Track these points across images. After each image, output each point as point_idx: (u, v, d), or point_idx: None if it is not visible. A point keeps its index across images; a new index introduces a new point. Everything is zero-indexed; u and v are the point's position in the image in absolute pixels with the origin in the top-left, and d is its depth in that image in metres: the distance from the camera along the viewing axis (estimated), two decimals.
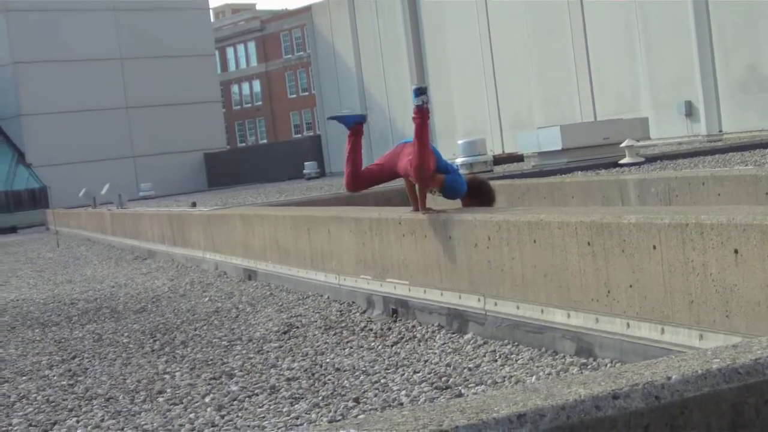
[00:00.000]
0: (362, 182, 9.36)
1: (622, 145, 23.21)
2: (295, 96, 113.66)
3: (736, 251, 5.40)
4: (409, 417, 2.90)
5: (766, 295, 5.21)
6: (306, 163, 60.41)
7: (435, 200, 9.24)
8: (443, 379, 6.76)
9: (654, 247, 6.00)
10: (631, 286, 6.24)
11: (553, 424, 2.84)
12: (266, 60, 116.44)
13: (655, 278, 6.02)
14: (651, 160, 22.86)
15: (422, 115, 8.70)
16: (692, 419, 3.02)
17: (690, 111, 36.87)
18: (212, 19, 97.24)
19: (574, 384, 3.09)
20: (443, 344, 8.01)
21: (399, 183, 9.23)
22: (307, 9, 78.03)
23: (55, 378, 8.58)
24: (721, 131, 35.57)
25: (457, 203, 9.18)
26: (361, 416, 6.03)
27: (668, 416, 2.99)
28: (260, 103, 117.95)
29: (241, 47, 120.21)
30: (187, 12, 79.13)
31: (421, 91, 8.83)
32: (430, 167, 8.61)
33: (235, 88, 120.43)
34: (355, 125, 9.44)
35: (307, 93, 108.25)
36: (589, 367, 6.54)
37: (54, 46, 71.73)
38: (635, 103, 39.43)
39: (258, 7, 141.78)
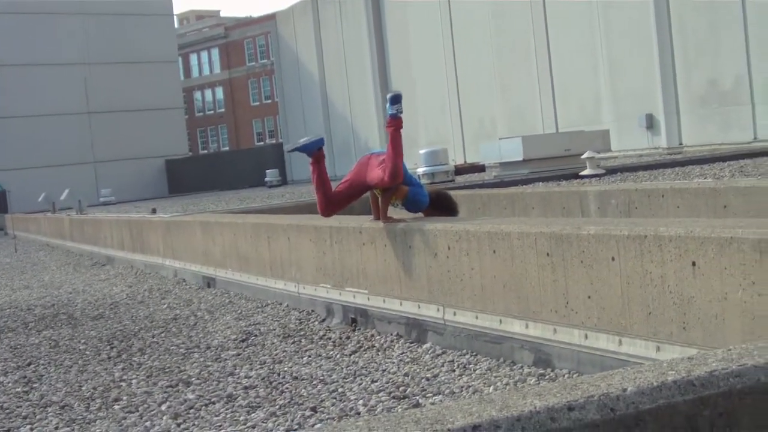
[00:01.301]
0: (336, 205, 9.26)
1: (583, 156, 23.29)
2: (258, 103, 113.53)
3: (693, 263, 5.42)
4: (363, 427, 2.88)
5: (723, 307, 5.23)
6: (268, 171, 60.24)
7: (396, 211, 9.23)
8: (401, 388, 6.74)
9: (612, 259, 6.01)
10: (589, 297, 6.25)
11: None
12: (230, 67, 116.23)
13: (613, 289, 6.03)
14: (612, 171, 22.95)
15: (397, 124, 8.71)
16: (648, 431, 3.02)
17: (651, 124, 37.08)
18: (176, 25, 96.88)
19: (530, 395, 3.08)
20: (402, 354, 7.99)
21: None
22: (272, 17, 77.96)
23: (9, 384, 8.49)
24: (681, 144, 35.79)
25: (419, 215, 9.17)
26: (318, 425, 6.01)
27: (623, 428, 2.99)
28: (223, 110, 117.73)
29: (204, 54, 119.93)
30: (151, 18, 78.80)
31: (396, 99, 8.84)
32: (402, 175, 8.64)
33: (198, 95, 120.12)
34: (318, 151, 9.35)
35: (270, 101, 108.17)
36: (546, 377, 6.54)
37: (16, 48, 71.25)
38: (597, 115, 39.62)
39: (222, 14, 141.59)
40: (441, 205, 9.04)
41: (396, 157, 8.56)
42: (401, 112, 8.77)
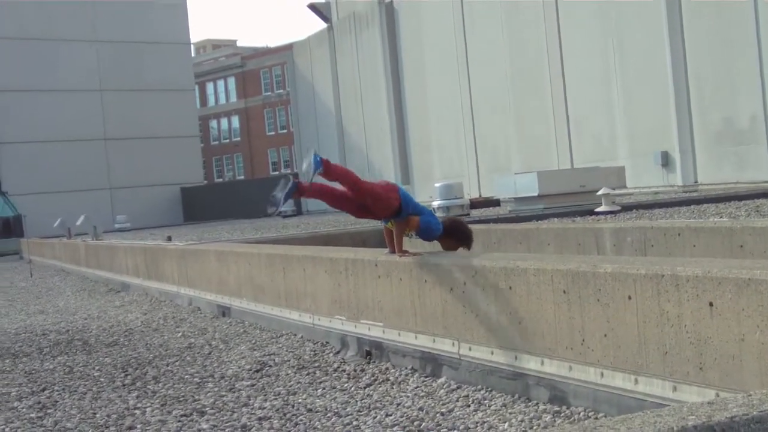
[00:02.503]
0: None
1: (599, 193, 23.28)
2: (273, 133, 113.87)
3: (711, 304, 5.42)
4: None
5: (740, 348, 5.23)
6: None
7: (413, 243, 9.25)
8: (415, 423, 6.74)
9: (629, 297, 6.02)
10: (605, 335, 6.25)
11: None
12: (245, 96, 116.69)
13: (629, 328, 6.03)
14: (627, 208, 22.94)
15: (328, 168, 8.55)
16: None
17: (666, 161, 37.08)
18: (193, 54, 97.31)
19: None
20: (416, 387, 7.99)
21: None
22: (288, 47, 78.43)
23: (24, 410, 8.50)
24: (696, 182, 35.78)
25: (435, 246, 9.18)
26: None
27: None
28: (238, 139, 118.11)
29: (221, 83, 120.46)
30: (169, 46, 79.24)
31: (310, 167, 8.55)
32: (389, 194, 8.56)
33: (213, 123, 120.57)
34: (297, 192, 8.74)
35: (285, 130, 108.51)
36: (562, 415, 6.53)
37: (35, 75, 71.69)
38: (612, 151, 39.64)
39: (239, 44, 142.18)
40: (455, 233, 9.03)
41: (360, 184, 8.54)
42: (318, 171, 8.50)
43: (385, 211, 8.61)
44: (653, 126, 37.64)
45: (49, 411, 8.37)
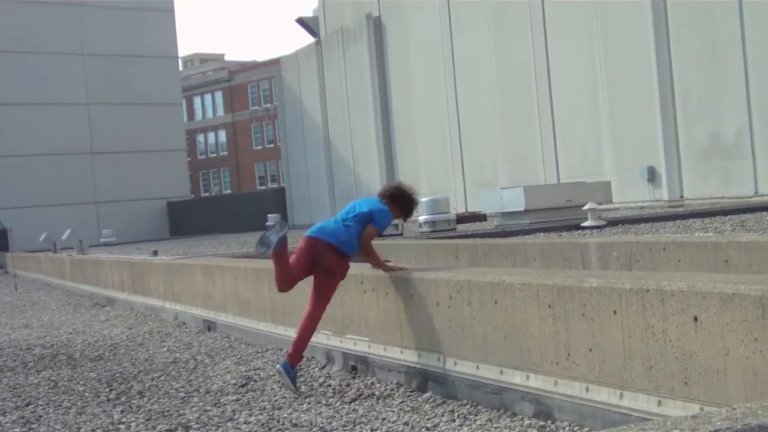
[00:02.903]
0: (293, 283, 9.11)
1: (585, 207, 23.36)
2: (260, 147, 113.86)
3: (695, 318, 5.44)
4: None
5: (725, 363, 5.24)
6: (269, 215, 60.28)
7: (396, 255, 9.25)
8: None
9: (614, 312, 6.03)
10: (590, 349, 6.26)
11: None
12: (233, 110, 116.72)
13: (614, 343, 6.04)
14: (613, 223, 23.01)
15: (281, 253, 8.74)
16: None
17: (652, 176, 37.20)
18: (180, 68, 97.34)
19: None
20: (402, 402, 7.98)
21: None
22: (276, 61, 78.49)
23: (8, 425, 8.47)
24: (682, 197, 35.89)
25: (421, 260, 9.18)
26: None
27: None
28: (225, 153, 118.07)
29: (208, 97, 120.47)
30: (156, 60, 79.22)
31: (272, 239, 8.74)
32: (363, 241, 8.76)
33: (200, 137, 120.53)
34: (281, 245, 8.89)
35: (272, 145, 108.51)
36: (547, 429, 6.54)
37: (21, 88, 71.61)
38: (598, 166, 39.75)
39: (227, 58, 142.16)
40: (399, 203, 9.03)
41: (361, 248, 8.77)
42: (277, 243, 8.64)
43: (345, 266, 8.91)
44: (639, 141, 37.77)
45: (33, 426, 8.34)
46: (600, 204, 25.11)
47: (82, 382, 10.57)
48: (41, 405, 9.32)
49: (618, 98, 38.74)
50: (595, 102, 40.00)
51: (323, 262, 8.72)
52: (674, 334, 5.58)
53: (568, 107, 41.62)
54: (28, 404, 9.42)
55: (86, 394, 9.74)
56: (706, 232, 17.59)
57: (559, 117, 42.44)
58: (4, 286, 34.34)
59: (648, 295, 5.76)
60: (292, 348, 8.79)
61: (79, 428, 8.06)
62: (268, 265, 12.45)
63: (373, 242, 9.00)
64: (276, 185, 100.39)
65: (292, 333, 10.99)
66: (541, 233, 21.69)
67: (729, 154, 34.13)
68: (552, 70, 42.49)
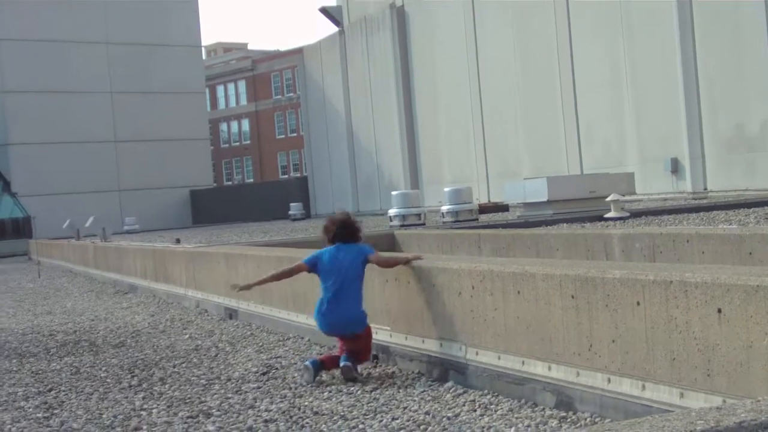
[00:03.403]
0: None
1: (608, 199, 23.27)
2: (283, 136, 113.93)
3: (719, 310, 5.40)
4: None
5: (748, 355, 5.21)
6: (292, 204, 60.45)
7: (419, 245, 9.23)
8: (422, 427, 6.72)
9: (638, 303, 6.00)
10: (613, 341, 6.23)
11: None
12: (256, 99, 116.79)
13: (637, 334, 6.01)
14: (636, 215, 22.92)
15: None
16: None
17: (676, 168, 37.04)
18: (204, 57, 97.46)
19: None
20: (423, 392, 7.97)
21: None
22: (299, 51, 78.47)
23: (30, 410, 8.51)
24: (706, 189, 35.72)
25: (442, 249, 9.16)
26: None
27: None
28: (248, 142, 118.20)
29: (231, 86, 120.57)
30: (180, 49, 79.34)
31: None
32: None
33: (223, 126, 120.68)
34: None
35: (295, 134, 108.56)
36: (568, 420, 6.51)
37: (45, 76, 71.80)
38: (622, 157, 39.60)
39: (250, 47, 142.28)
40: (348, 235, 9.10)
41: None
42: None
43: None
44: (663, 132, 37.60)
45: (55, 411, 8.37)
46: (623, 195, 25.03)
47: (104, 369, 10.61)
48: (63, 391, 9.35)
49: (642, 89, 38.57)
50: (619, 92, 39.84)
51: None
52: (697, 326, 5.55)
53: (592, 98, 41.46)
54: (50, 390, 9.46)
55: (108, 380, 9.77)
56: (730, 224, 17.50)
57: (582, 108, 42.29)
58: (28, 272, 34.52)
59: (671, 287, 5.73)
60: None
61: (101, 414, 8.09)
62: (291, 253, 12.47)
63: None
64: (298, 174, 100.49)
65: (313, 322, 11.00)
66: (564, 224, 21.63)
67: (754, 145, 33.95)
68: (576, 61, 42.33)
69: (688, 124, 36.09)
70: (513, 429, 6.47)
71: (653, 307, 5.87)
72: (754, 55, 33.33)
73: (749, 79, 33.67)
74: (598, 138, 41.50)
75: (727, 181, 34.88)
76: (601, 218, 22.39)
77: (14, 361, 11.82)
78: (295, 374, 9.28)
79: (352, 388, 8.39)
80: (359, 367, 8.81)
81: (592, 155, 41.75)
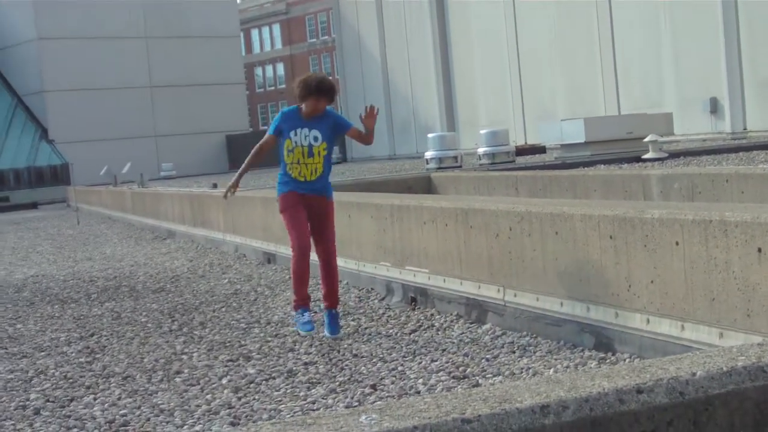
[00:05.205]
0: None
1: (646, 140, 23.13)
2: None
3: (759, 250, 5.37)
4: (431, 404, 2.89)
5: None
6: None
7: (455, 187, 9.21)
8: (460, 368, 6.75)
9: (677, 243, 5.97)
10: (652, 281, 6.21)
11: (576, 416, 2.83)
12: (291, 43, 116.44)
13: (676, 274, 5.99)
14: (674, 155, 22.79)
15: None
16: (716, 416, 3.01)
17: (715, 108, 36.69)
18: (238, 1, 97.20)
19: (598, 377, 3.07)
20: (461, 334, 8.00)
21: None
22: None
23: (73, 354, 8.60)
24: (745, 129, 35.40)
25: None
26: (378, 402, 6.02)
27: (692, 412, 2.97)
28: (283, 86, 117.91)
29: (266, 29, 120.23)
30: None
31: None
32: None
33: (258, 71, 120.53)
34: None
35: (330, 78, 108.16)
36: (607, 361, 6.52)
37: (79, 22, 71.79)
38: (660, 98, 39.26)
39: None
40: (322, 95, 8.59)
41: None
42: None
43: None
44: (702, 72, 37.22)
45: (97, 356, 8.46)
46: (661, 136, 24.86)
47: (144, 314, 10.70)
48: (105, 336, 9.45)
49: (680, 28, 38.14)
50: (657, 32, 39.42)
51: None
52: (737, 266, 5.52)
53: (630, 37, 41.06)
54: (92, 335, 9.56)
55: (149, 325, 9.86)
56: None
57: (619, 47, 41.90)
58: (67, 219, 34.78)
59: (711, 227, 5.69)
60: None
61: (143, 358, 8.17)
62: None
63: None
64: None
65: (352, 265, 11.04)
66: (602, 165, 21.55)
67: None
68: (613, 1, 41.89)
69: (728, 64, 35.69)
70: (552, 370, 6.49)
71: (692, 247, 5.84)
72: None
73: None
74: (636, 78, 41.14)
75: (767, 120, 34.54)
76: (639, 159, 22.27)
77: (56, 306, 11.95)
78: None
79: (391, 331, 8.42)
80: None
81: (629, 96, 41.42)
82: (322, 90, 8.48)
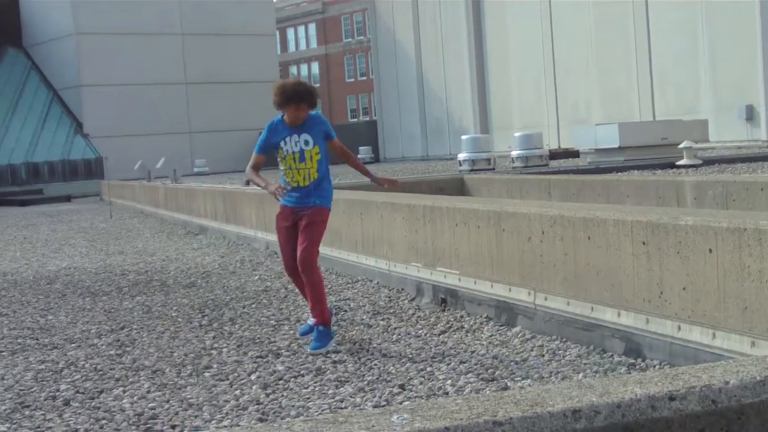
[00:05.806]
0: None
1: (681, 146, 23.03)
2: (353, 80, 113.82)
3: None
4: (463, 406, 2.88)
5: None
6: (361, 148, 60.47)
7: (488, 189, 9.20)
8: (489, 371, 6.74)
9: (710, 251, 5.94)
10: (684, 288, 6.18)
11: (608, 421, 2.82)
12: (326, 42, 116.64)
13: (709, 282, 5.95)
14: (709, 162, 22.67)
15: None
16: (749, 426, 2.99)
17: (751, 115, 36.49)
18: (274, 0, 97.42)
19: (630, 383, 3.06)
20: (491, 336, 7.98)
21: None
22: None
23: (103, 347, 8.64)
24: None
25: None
26: (407, 403, 6.02)
27: (725, 421, 2.96)
28: (318, 85, 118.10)
29: (301, 28, 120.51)
30: None
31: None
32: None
33: (293, 69, 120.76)
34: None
35: (365, 78, 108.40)
36: (637, 367, 6.49)
37: (116, 18, 72.20)
38: (695, 104, 39.08)
39: None
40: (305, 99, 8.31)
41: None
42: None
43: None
44: (738, 79, 37.02)
45: (127, 349, 8.50)
46: (696, 143, 24.74)
47: (175, 308, 10.74)
48: (135, 329, 9.49)
49: (718, 35, 37.95)
50: (694, 39, 39.24)
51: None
52: None
53: (666, 44, 40.88)
54: (122, 328, 9.60)
55: (179, 320, 9.89)
56: None
57: (656, 54, 41.73)
58: (100, 213, 34.96)
59: (745, 235, 5.66)
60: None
61: (173, 352, 8.19)
62: (361, 197, 12.50)
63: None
64: (368, 118, 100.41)
65: (383, 264, 11.05)
66: (635, 171, 21.46)
67: None
68: (650, 5, 41.72)
69: (765, 71, 35.49)
70: (581, 375, 6.46)
71: (726, 254, 5.81)
72: None
73: None
74: (672, 85, 40.96)
75: None
76: (673, 165, 22.18)
77: (87, 299, 12.01)
78: (364, 316, 9.32)
79: (420, 332, 8.42)
80: None
81: (664, 102, 41.25)
82: (298, 94, 8.25)
